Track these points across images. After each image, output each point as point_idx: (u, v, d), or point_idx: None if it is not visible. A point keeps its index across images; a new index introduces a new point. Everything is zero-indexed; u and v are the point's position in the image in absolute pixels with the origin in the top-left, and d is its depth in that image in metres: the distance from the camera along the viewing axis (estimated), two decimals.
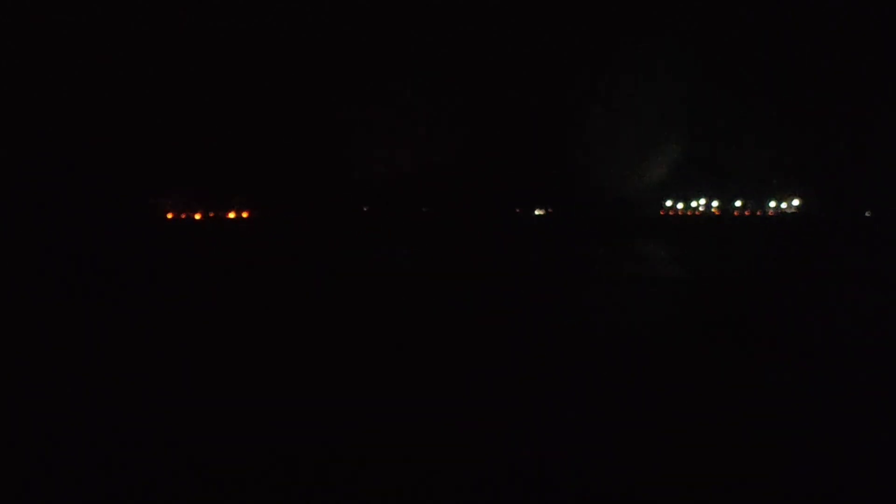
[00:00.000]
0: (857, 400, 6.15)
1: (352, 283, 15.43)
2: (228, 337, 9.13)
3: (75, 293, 13.41)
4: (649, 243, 26.87)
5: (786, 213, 59.09)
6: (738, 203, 60.87)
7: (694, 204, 62.27)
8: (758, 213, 60.25)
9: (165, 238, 32.44)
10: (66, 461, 4.80)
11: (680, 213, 62.19)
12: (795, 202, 58.59)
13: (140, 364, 7.53)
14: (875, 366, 7.34)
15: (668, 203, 61.38)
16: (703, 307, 11.86)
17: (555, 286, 14.98)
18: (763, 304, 12.02)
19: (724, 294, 13.56)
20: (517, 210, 57.74)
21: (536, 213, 59.47)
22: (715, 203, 61.77)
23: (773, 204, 59.84)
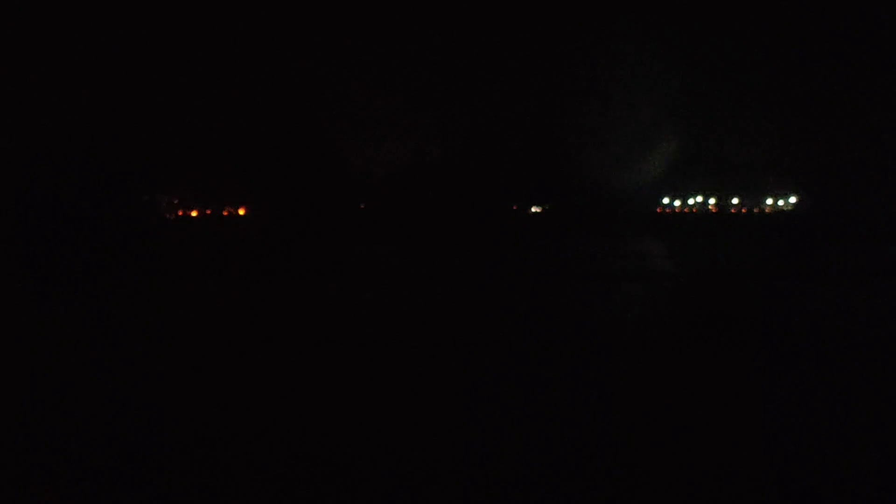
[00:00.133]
0: (855, 398, 6.15)
1: (349, 282, 15.40)
2: (227, 336, 9.10)
3: (73, 290, 13.37)
4: (646, 240, 26.90)
5: (782, 210, 59.24)
6: (734, 200, 61.01)
7: (691, 201, 62.40)
8: (754, 210, 60.40)
9: (163, 235, 32.37)
10: (65, 460, 4.78)
11: (677, 210, 62.32)
12: (792, 199, 58.73)
13: (138, 362, 7.51)
14: (872, 364, 7.35)
15: (665, 200, 61.51)
16: (699, 304, 11.87)
17: (552, 283, 14.98)
18: (759, 301, 12.03)
19: (720, 291, 13.57)
20: (514, 207, 57.80)
21: (533, 209, 59.54)
22: (712, 200, 61.91)
23: (769, 201, 59.99)
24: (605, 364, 7.38)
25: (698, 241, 27.75)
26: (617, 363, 7.42)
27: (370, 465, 4.70)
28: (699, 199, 61.99)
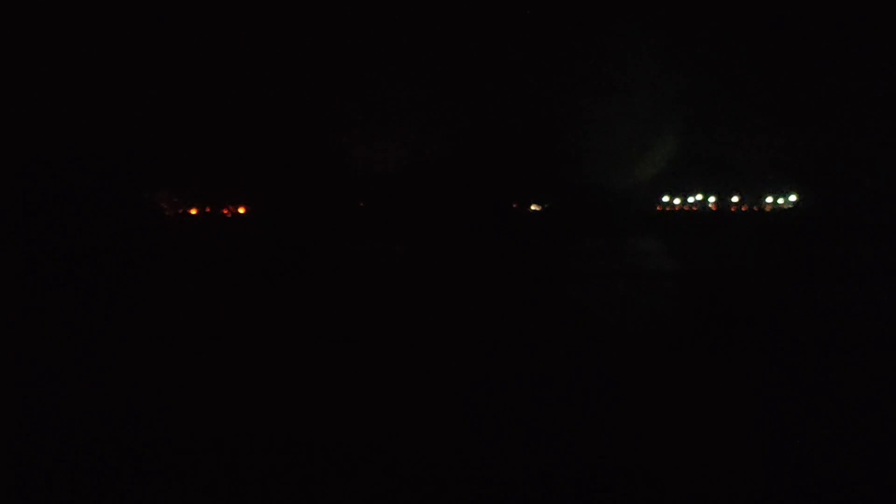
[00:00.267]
0: (855, 396, 6.14)
1: (348, 279, 15.39)
2: (227, 334, 9.09)
3: (73, 289, 13.35)
4: (646, 238, 26.88)
5: (783, 208, 59.18)
6: (734, 199, 60.94)
7: (691, 199, 62.33)
8: (754, 208, 60.34)
9: (161, 234, 32.35)
10: (64, 461, 4.76)
11: (677, 208, 62.25)
12: (792, 198, 58.67)
13: (137, 360, 7.49)
14: (873, 362, 7.33)
15: (665, 198, 61.42)
16: (700, 303, 11.85)
17: (551, 281, 14.96)
18: (760, 300, 12.01)
19: (720, 289, 13.55)
20: (514, 205, 57.70)
21: (533, 208, 59.46)
22: (712, 199, 61.83)
23: (769, 199, 59.92)
24: (605, 362, 7.37)
25: (699, 239, 27.75)
26: (617, 361, 7.40)
27: (370, 463, 4.68)
28: (699, 197, 61.91)
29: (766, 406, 5.88)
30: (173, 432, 5.28)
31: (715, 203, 61.71)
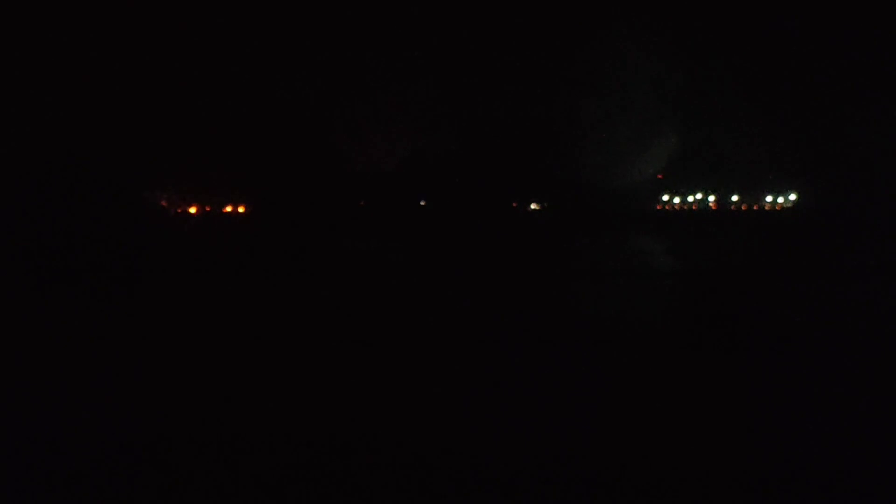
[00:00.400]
0: (854, 395, 6.15)
1: (347, 278, 15.39)
2: (227, 333, 9.09)
3: (72, 288, 13.35)
4: (647, 237, 26.88)
5: (783, 207, 59.16)
6: (734, 197, 60.91)
7: (691, 198, 62.30)
8: (754, 207, 60.30)
9: (161, 232, 32.33)
10: (64, 459, 4.77)
11: (677, 207, 62.22)
12: (792, 196, 58.66)
13: (137, 358, 7.50)
14: (872, 361, 7.34)
15: (665, 197, 61.40)
16: (700, 301, 11.87)
17: (552, 280, 14.97)
18: (759, 299, 12.03)
19: (720, 288, 13.56)
20: (514, 204, 57.67)
21: (533, 207, 59.41)
22: (711, 197, 61.80)
23: (769, 198, 59.90)
24: (605, 361, 7.38)
25: (699, 238, 27.75)
26: (617, 360, 7.41)
27: (370, 462, 4.69)
28: (699, 196, 61.89)
29: (765, 404, 5.89)
30: (173, 431, 5.30)
31: (715, 202, 61.68)
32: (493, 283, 14.55)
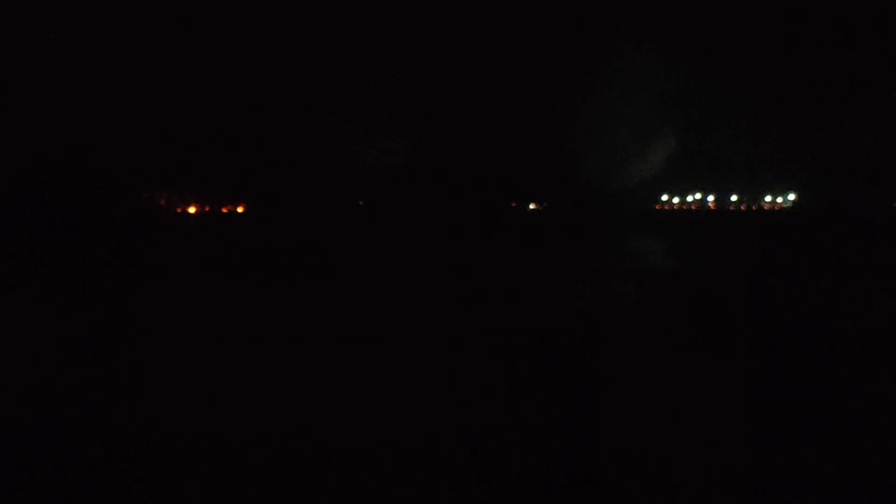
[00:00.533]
0: (853, 396, 6.15)
1: (347, 278, 15.40)
2: (227, 333, 9.09)
3: (72, 288, 13.35)
4: (645, 237, 26.91)
5: (782, 207, 59.24)
6: (733, 198, 60.98)
7: (689, 198, 62.37)
8: (753, 207, 60.38)
9: (160, 232, 32.34)
10: (64, 459, 4.77)
11: (676, 207, 62.28)
12: (791, 196, 58.74)
13: (136, 358, 7.50)
14: (871, 362, 7.35)
15: (664, 197, 61.48)
16: (699, 301, 11.87)
17: (550, 280, 14.97)
18: (758, 299, 12.03)
19: (719, 288, 13.57)
20: (513, 204, 57.71)
21: (531, 206, 59.44)
22: (710, 197, 61.87)
23: (768, 198, 59.98)
24: (604, 362, 7.38)
25: (698, 238, 27.78)
26: (615, 361, 7.42)
27: (370, 462, 4.69)
28: (698, 196, 61.96)
29: (764, 405, 5.89)
30: (172, 431, 5.29)
31: (714, 202, 61.75)
32: (493, 282, 14.55)
